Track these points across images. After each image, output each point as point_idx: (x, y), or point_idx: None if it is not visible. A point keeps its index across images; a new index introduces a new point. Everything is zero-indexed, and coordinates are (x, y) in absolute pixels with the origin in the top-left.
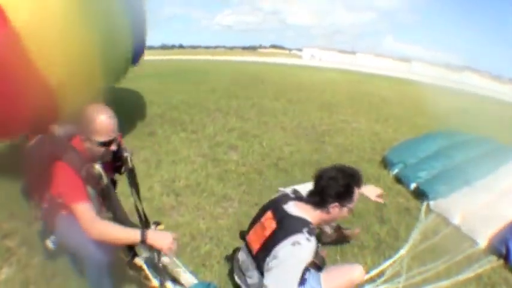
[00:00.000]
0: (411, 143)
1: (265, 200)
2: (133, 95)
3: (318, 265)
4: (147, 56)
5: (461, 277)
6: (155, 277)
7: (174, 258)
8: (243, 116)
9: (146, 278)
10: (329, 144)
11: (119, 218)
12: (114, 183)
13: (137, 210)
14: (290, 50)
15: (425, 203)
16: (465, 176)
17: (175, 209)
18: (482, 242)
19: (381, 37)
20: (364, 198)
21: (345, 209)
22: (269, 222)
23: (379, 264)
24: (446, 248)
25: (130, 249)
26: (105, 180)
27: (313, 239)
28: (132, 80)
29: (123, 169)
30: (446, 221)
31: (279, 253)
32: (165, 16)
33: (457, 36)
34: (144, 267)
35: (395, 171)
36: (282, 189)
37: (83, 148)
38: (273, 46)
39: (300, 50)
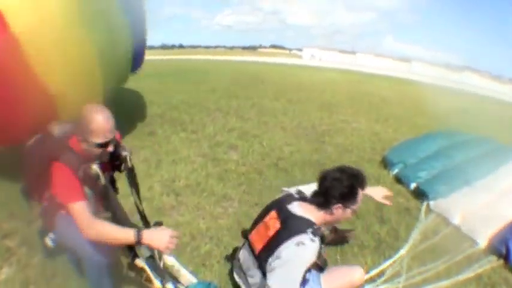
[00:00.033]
0: (411, 143)
1: (265, 200)
2: (133, 95)
3: (319, 266)
4: (147, 56)
5: (461, 277)
6: (156, 278)
7: (173, 259)
8: (243, 116)
9: (148, 279)
10: (329, 144)
11: (118, 218)
12: (113, 181)
13: (138, 210)
14: (290, 50)
15: (425, 203)
16: (465, 176)
17: (175, 208)
18: (482, 242)
19: (381, 37)
20: (365, 198)
21: (349, 210)
22: (273, 222)
23: (379, 264)
24: (446, 248)
25: (131, 250)
26: (103, 180)
27: (317, 240)
28: (132, 80)
29: (122, 167)
30: (446, 221)
31: (282, 253)
32: (165, 16)
33: (457, 36)
34: (146, 268)
35: (396, 171)
36: (286, 189)
37: (80, 148)
38: (273, 46)
39: (300, 50)
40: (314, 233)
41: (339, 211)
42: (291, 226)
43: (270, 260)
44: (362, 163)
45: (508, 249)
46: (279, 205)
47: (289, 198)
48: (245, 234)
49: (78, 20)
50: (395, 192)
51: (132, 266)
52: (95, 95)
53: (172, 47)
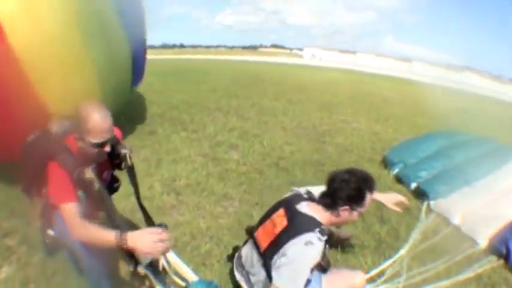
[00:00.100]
0: (411, 143)
1: (265, 200)
2: (134, 95)
3: (322, 267)
4: (148, 56)
5: (461, 277)
6: (159, 285)
7: (175, 256)
8: (244, 116)
9: (152, 286)
10: (329, 144)
11: (113, 221)
12: (116, 180)
13: (141, 208)
14: (291, 49)
15: (425, 203)
16: (465, 176)
17: (175, 208)
18: (482, 242)
19: (381, 37)
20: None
21: (355, 213)
22: (280, 220)
23: (379, 264)
24: (446, 248)
25: (132, 258)
26: (97, 185)
27: (323, 240)
28: None
29: (122, 165)
30: (446, 221)
31: (288, 251)
32: (166, 15)
33: (457, 36)
34: (149, 275)
35: (396, 171)
36: (295, 188)
37: (77, 147)
38: (274, 46)
39: (300, 49)
40: (321, 233)
41: (345, 213)
42: (297, 224)
43: (275, 257)
44: (362, 163)
45: (508, 249)
46: (287, 203)
47: (298, 197)
48: (250, 231)
49: (77, 33)
50: (396, 192)
51: (135, 274)
52: None
53: (173, 46)
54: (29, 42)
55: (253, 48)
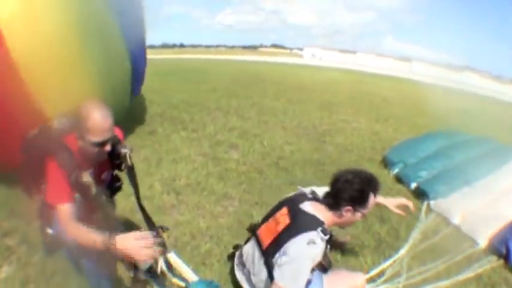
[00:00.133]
0: (411, 143)
1: (265, 199)
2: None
3: (324, 266)
4: (148, 55)
5: (461, 277)
6: (159, 287)
7: (175, 256)
8: (244, 115)
9: None
10: (329, 144)
11: (110, 225)
12: (117, 179)
13: (141, 209)
14: (291, 49)
15: (425, 203)
16: (465, 176)
17: (175, 207)
18: (482, 242)
19: (381, 37)
20: None
21: (358, 214)
22: (283, 218)
23: (379, 263)
24: (446, 248)
25: (130, 263)
26: (94, 190)
27: (325, 239)
28: None
29: (123, 166)
30: (446, 221)
31: (289, 249)
32: (165, 15)
33: (457, 36)
34: (149, 280)
35: (396, 170)
36: (300, 188)
37: (77, 146)
38: (274, 45)
39: (301, 49)
40: (324, 232)
41: (348, 214)
42: (300, 222)
43: (276, 255)
44: (362, 163)
45: (508, 249)
46: (291, 202)
47: (302, 197)
48: (253, 229)
49: (76, 38)
50: (396, 192)
51: (136, 279)
52: None
53: (173, 46)
54: (27, 44)
55: (253, 48)
